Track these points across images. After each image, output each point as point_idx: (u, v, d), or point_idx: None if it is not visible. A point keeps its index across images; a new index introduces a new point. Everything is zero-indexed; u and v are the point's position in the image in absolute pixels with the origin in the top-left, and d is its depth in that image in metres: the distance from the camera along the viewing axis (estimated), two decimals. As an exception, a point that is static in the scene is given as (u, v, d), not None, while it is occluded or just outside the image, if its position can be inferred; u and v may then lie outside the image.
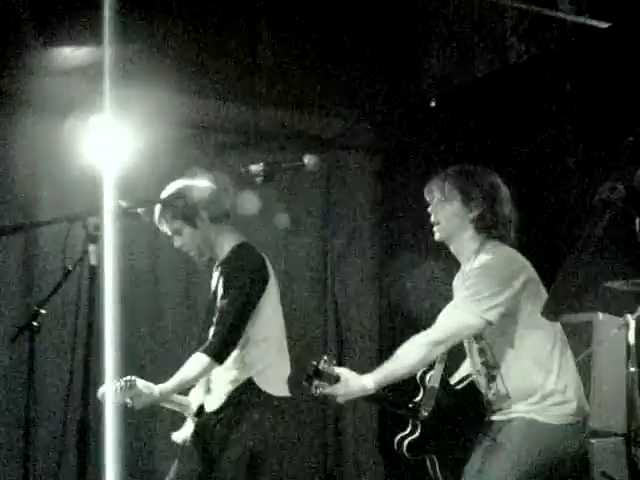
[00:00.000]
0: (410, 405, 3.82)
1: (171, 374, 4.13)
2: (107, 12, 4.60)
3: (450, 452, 3.87)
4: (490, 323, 3.56)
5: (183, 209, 4.10)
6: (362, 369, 3.73)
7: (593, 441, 4.92)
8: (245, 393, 4.19)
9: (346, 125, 6.33)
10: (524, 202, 5.76)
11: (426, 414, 3.76)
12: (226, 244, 4.22)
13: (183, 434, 4.28)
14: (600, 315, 5.30)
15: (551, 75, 5.49)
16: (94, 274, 3.17)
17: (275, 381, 4.27)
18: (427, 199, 3.82)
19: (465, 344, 3.87)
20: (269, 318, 4.29)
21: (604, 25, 5.02)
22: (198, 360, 4.02)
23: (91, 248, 3.19)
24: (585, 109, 5.13)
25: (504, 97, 5.85)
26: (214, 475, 4.23)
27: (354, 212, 6.63)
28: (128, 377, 3.71)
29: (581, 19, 5.15)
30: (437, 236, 3.82)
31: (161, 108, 5.46)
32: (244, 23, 5.60)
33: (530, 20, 5.60)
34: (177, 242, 4.23)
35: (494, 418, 3.73)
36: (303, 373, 3.49)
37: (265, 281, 4.27)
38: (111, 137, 4.63)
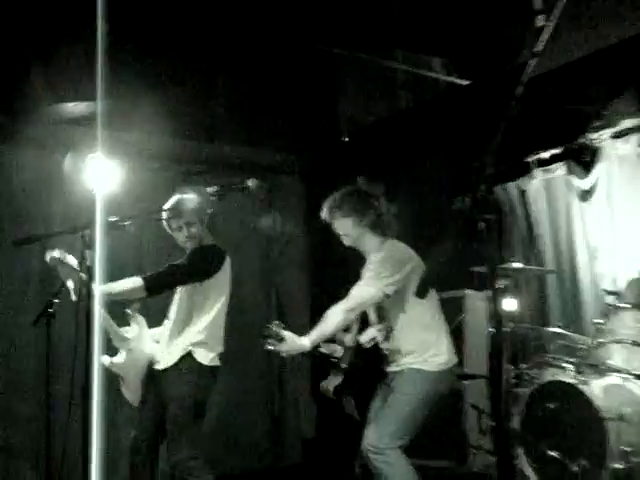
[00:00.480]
0: (333, 359, 4.45)
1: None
2: (100, 73, 4.62)
3: (361, 394, 4.42)
4: (387, 296, 4.16)
5: (185, 214, 4.53)
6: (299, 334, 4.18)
7: (466, 382, 5.84)
8: (186, 362, 4.53)
9: (282, 156, 6.93)
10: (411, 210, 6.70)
11: (345, 366, 4.35)
12: (205, 240, 4.70)
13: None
14: (468, 291, 6.19)
15: (431, 117, 6.26)
16: (90, 273, 3.71)
17: (208, 355, 4.60)
18: (327, 217, 4.36)
19: (369, 312, 4.44)
20: (212, 305, 4.66)
21: (466, 82, 5.93)
22: (131, 281, 4.45)
23: (87, 253, 3.78)
24: (452, 141, 5.95)
25: (397, 132, 6.56)
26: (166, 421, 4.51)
27: (290, 222, 7.20)
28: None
29: (450, 78, 5.98)
30: (346, 243, 4.42)
31: (140, 146, 6.04)
32: (202, 79, 5.85)
33: (414, 78, 6.28)
34: (185, 233, 4.60)
35: (390, 369, 4.30)
36: (261, 334, 4.07)
37: (214, 271, 4.63)
38: (102, 169, 4.88)
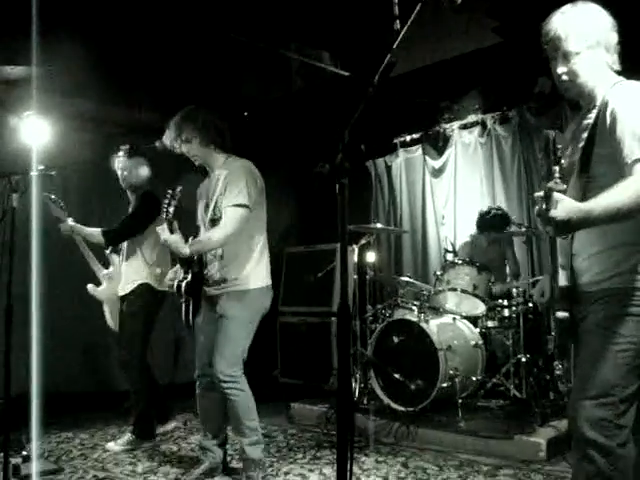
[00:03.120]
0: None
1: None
2: (34, 41, 4.72)
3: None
4: (251, 210, 3.49)
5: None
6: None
7: (333, 319, 5.96)
8: (141, 288, 4.58)
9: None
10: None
11: (196, 269, 3.57)
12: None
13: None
14: (338, 244, 6.44)
15: (317, 99, 6.27)
16: (14, 212, 3.72)
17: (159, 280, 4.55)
18: (173, 145, 3.69)
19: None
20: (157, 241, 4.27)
21: (347, 74, 5.88)
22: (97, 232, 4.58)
23: (14, 196, 3.77)
24: (329, 119, 5.69)
25: (290, 112, 6.60)
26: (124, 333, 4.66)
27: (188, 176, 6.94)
28: None
29: (335, 69, 5.92)
30: (197, 163, 3.73)
31: (72, 108, 5.78)
32: (127, 54, 5.52)
33: (308, 67, 6.11)
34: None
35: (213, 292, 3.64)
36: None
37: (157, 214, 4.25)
38: (35, 126, 4.56)
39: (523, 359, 4.60)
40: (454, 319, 5.03)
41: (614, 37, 2.26)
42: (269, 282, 3.68)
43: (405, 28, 1.76)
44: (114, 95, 5.92)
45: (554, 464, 3.84)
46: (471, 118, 6.30)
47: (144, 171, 4.99)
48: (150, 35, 5.47)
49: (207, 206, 3.68)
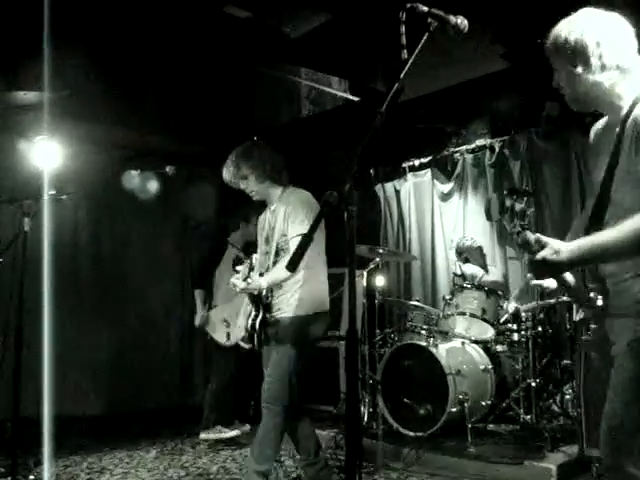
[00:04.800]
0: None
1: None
2: (46, 67, 4.84)
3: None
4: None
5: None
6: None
7: (342, 342, 5.90)
8: None
9: (200, 149, 6.75)
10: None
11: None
12: None
13: None
14: (346, 269, 6.38)
15: (328, 125, 6.36)
16: (26, 236, 3.90)
17: None
18: (232, 182, 3.71)
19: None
20: None
21: (356, 99, 5.99)
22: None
23: (25, 221, 3.93)
24: (338, 145, 5.63)
25: (300, 136, 6.56)
26: None
27: (204, 206, 6.98)
28: None
29: (345, 94, 6.03)
30: (255, 198, 3.76)
31: (82, 133, 5.86)
32: (138, 79, 5.71)
33: (316, 92, 6.33)
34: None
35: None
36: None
37: None
38: (49, 150, 4.63)
39: (533, 384, 4.57)
40: (463, 343, 5.01)
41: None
42: (323, 309, 3.65)
43: (412, 58, 1.80)
44: (125, 119, 5.99)
45: (565, 490, 3.81)
46: (479, 142, 6.32)
47: None
48: (162, 59, 5.58)
49: (268, 239, 3.70)
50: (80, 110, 5.63)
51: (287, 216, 3.58)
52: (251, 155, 3.71)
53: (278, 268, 3.47)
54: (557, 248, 1.94)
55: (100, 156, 6.21)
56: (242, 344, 4.08)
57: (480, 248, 5.79)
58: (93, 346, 6.28)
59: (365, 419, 5.04)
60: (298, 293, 3.53)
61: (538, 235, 1.99)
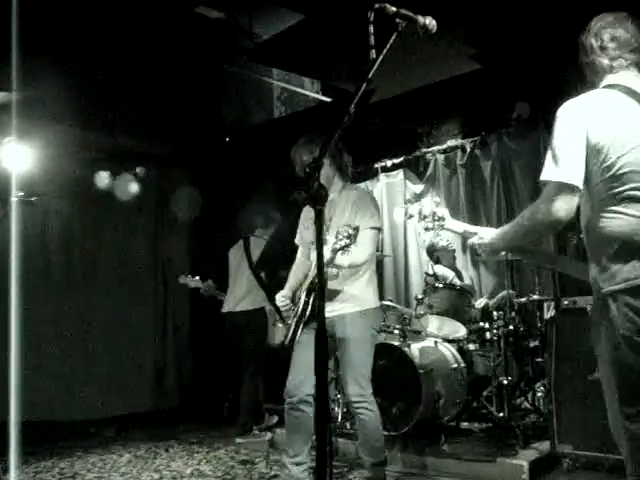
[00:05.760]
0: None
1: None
2: (14, 68, 4.68)
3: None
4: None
5: None
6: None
7: None
8: None
9: (171, 149, 6.74)
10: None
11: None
12: None
13: None
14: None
15: (300, 126, 6.36)
16: None
17: None
18: (305, 159, 3.68)
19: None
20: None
21: (328, 100, 5.98)
22: None
23: None
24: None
25: (271, 137, 6.40)
26: None
27: (178, 204, 7.02)
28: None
29: (317, 95, 6.05)
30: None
31: (51, 135, 5.72)
32: (108, 80, 5.52)
33: (288, 93, 6.37)
34: None
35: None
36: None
37: None
38: (17, 153, 4.74)
39: (505, 382, 4.59)
40: (436, 343, 5.02)
41: None
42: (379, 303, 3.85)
43: (380, 58, 1.80)
44: (96, 120, 5.91)
45: (536, 486, 3.83)
46: (451, 143, 6.36)
47: None
48: (133, 60, 5.49)
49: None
50: (49, 112, 5.55)
51: (356, 209, 3.67)
52: (315, 140, 3.75)
53: (357, 252, 3.48)
54: (482, 235, 2.48)
55: (70, 158, 6.12)
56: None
57: (454, 251, 5.85)
58: (64, 349, 6.18)
59: (339, 419, 5.02)
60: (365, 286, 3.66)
61: (465, 227, 2.57)
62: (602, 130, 2.08)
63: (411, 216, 2.57)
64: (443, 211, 2.59)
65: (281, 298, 3.80)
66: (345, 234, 3.35)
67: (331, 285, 3.62)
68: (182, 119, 6.26)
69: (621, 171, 2.07)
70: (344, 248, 3.37)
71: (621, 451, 2.17)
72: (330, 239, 3.45)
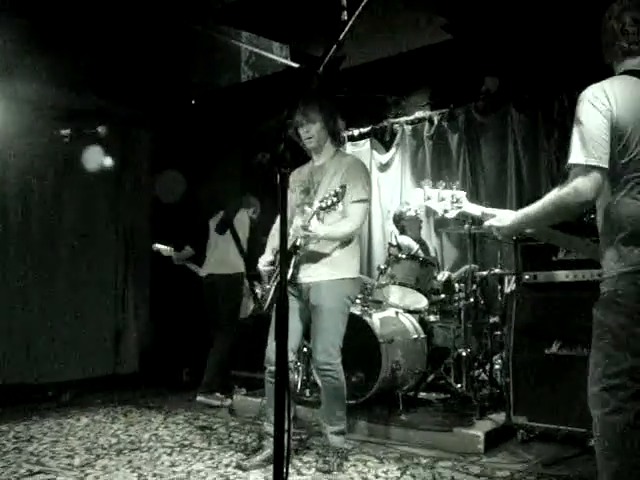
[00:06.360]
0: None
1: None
2: None
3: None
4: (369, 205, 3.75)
5: None
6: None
7: None
8: None
9: (136, 110, 6.63)
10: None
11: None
12: None
13: None
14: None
15: (268, 91, 6.14)
16: None
17: None
18: (298, 120, 3.69)
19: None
20: None
21: (296, 65, 5.85)
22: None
23: None
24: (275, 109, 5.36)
25: (238, 101, 6.48)
26: None
27: (138, 165, 7.02)
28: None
29: (285, 60, 5.92)
30: (309, 145, 3.75)
31: (9, 90, 5.49)
32: (73, 38, 5.35)
33: (256, 57, 6.24)
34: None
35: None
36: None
37: None
38: None
39: (464, 353, 4.65)
40: (397, 313, 5.06)
41: None
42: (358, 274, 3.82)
43: (352, 20, 1.75)
44: (57, 77, 5.71)
45: (491, 456, 3.90)
46: (419, 114, 6.34)
47: None
48: (98, 15, 5.26)
49: (308, 191, 3.74)
50: (7, 66, 5.35)
51: (347, 177, 3.62)
52: (323, 104, 3.77)
53: (341, 224, 3.55)
54: (501, 217, 2.44)
55: (29, 115, 5.87)
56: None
57: (421, 221, 5.86)
58: (22, 313, 6.04)
59: (298, 387, 5.04)
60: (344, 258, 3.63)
61: (483, 209, 2.53)
62: (625, 116, 2.15)
63: (429, 198, 2.54)
64: (461, 194, 2.59)
65: (264, 262, 3.76)
66: (332, 192, 3.35)
67: (311, 250, 3.60)
68: (148, 79, 6.11)
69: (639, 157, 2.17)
70: (329, 207, 3.38)
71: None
72: (316, 203, 3.47)
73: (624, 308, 2.18)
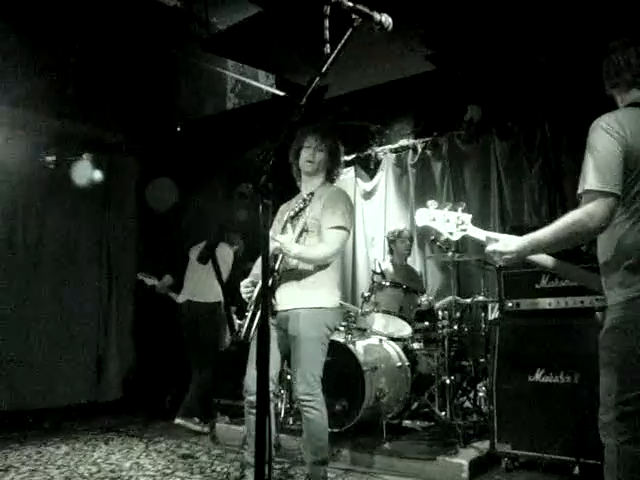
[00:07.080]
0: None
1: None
2: None
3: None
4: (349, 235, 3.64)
5: None
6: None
7: None
8: None
9: (122, 137, 6.65)
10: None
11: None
12: None
13: None
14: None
15: (253, 119, 6.19)
16: None
17: None
18: (312, 144, 3.65)
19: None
20: None
21: (282, 94, 5.87)
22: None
23: None
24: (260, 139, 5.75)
25: (223, 129, 6.55)
26: None
27: (123, 193, 7.05)
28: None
29: (271, 89, 5.94)
30: (306, 169, 3.69)
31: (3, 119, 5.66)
32: (59, 64, 5.40)
33: (242, 85, 6.31)
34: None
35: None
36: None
37: None
38: None
39: (447, 381, 4.64)
40: (381, 340, 5.04)
41: None
42: (339, 302, 3.74)
43: (335, 53, 1.78)
44: (45, 103, 5.72)
45: (475, 485, 3.88)
46: (403, 142, 6.40)
47: None
48: (86, 44, 5.36)
49: (292, 219, 3.64)
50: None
51: (326, 205, 3.56)
52: (339, 144, 3.78)
53: (316, 247, 3.47)
54: (507, 242, 2.41)
55: (16, 140, 5.89)
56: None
57: (411, 239, 5.87)
58: (3, 339, 5.97)
59: (282, 414, 5.00)
60: (323, 287, 3.53)
61: (487, 234, 2.48)
62: (636, 146, 2.20)
63: (434, 219, 2.49)
64: (467, 216, 2.53)
65: (245, 285, 3.61)
66: (313, 217, 3.36)
67: (289, 279, 3.52)
68: (134, 107, 6.13)
69: None
70: (308, 231, 3.36)
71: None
72: (298, 224, 3.46)
73: (633, 333, 2.21)
